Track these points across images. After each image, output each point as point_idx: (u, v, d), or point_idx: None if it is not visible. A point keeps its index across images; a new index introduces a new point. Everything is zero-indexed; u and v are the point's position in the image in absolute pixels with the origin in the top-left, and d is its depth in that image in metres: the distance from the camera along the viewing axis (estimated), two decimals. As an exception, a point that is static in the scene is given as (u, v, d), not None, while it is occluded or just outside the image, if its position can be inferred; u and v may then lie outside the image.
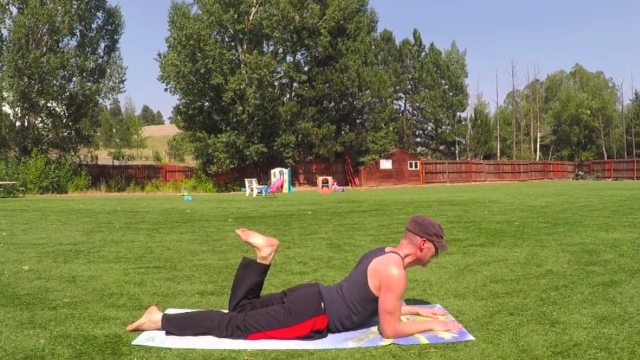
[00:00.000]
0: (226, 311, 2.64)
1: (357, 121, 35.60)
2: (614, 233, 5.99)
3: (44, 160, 22.95)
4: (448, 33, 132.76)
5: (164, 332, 2.55)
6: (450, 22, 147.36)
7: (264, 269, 2.75)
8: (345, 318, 2.56)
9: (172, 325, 2.55)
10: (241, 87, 26.88)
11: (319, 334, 2.49)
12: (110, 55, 28.26)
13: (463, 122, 46.13)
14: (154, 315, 2.61)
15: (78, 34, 26.87)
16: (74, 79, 26.20)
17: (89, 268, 4.24)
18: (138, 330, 2.58)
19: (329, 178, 25.61)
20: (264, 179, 27.70)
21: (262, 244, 2.75)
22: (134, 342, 2.39)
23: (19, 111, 25.44)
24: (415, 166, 35.17)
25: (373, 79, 32.32)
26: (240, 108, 27.19)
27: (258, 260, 2.75)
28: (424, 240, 2.65)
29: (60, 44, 26.36)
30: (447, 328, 2.54)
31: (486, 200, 13.52)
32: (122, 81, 27.90)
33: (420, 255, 2.66)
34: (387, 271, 2.48)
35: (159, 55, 29.07)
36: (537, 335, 2.43)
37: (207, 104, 29.28)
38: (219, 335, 2.48)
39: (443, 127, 45.28)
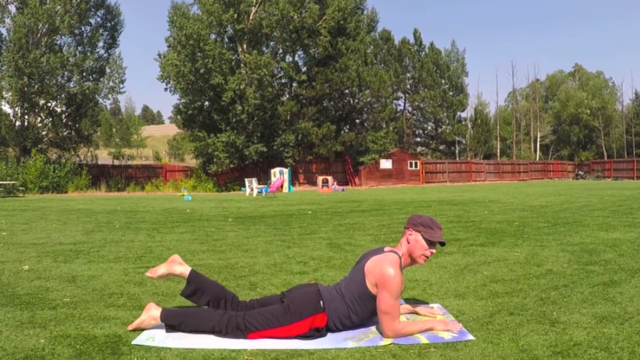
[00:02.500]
0: (223, 311, 2.64)
1: (357, 121, 35.59)
2: (614, 233, 5.99)
3: (43, 160, 22.95)
4: (448, 33, 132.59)
5: (164, 331, 2.55)
6: (450, 22, 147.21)
7: (193, 283, 2.74)
8: (345, 317, 2.56)
9: (171, 318, 2.56)
10: (241, 87, 26.88)
11: (318, 332, 2.49)
12: (109, 53, 28.28)
13: (463, 122, 46.10)
14: (153, 312, 2.61)
15: (77, 32, 26.85)
16: (74, 78, 26.20)
17: (89, 268, 4.24)
18: (139, 329, 2.58)
19: (329, 178, 25.61)
20: (264, 178, 27.70)
21: (166, 271, 2.81)
22: (134, 342, 2.39)
23: (19, 111, 25.43)
24: (415, 166, 35.17)
25: (373, 79, 32.31)
26: (240, 108, 27.20)
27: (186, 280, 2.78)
28: (410, 231, 2.64)
29: (59, 43, 26.37)
30: (447, 328, 2.54)
31: (486, 200, 13.52)
32: (122, 81, 27.90)
33: (410, 249, 2.63)
34: (382, 270, 2.48)
35: (159, 55, 29.07)
36: (537, 335, 2.43)
37: (207, 103, 29.28)
38: (219, 334, 2.48)
39: (443, 126, 45.25)
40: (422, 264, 2.66)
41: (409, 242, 2.63)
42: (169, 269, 2.79)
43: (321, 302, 2.54)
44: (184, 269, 2.78)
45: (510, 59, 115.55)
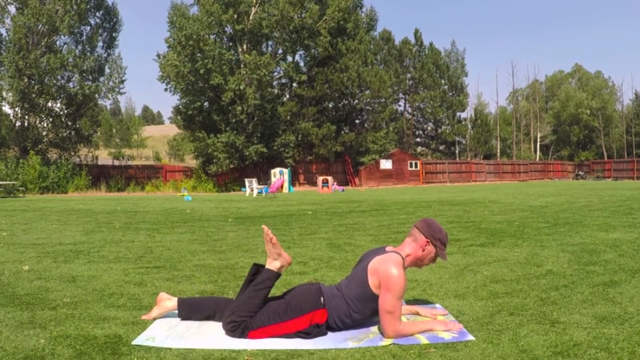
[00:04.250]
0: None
1: (357, 121, 35.60)
2: (614, 233, 5.98)
3: (39, 161, 22.92)
4: (448, 33, 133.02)
5: (164, 331, 2.56)
6: (450, 22, 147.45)
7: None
8: (345, 315, 2.56)
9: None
10: (241, 87, 26.88)
11: (318, 328, 2.50)
12: (109, 53, 28.30)
13: (463, 122, 46.11)
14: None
15: (77, 32, 26.87)
16: (74, 78, 26.21)
17: (89, 268, 4.24)
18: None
19: (329, 178, 25.60)
20: (264, 179, 27.69)
21: (159, 311, 2.81)
22: (134, 342, 2.39)
23: (19, 111, 25.44)
24: (416, 166, 35.18)
25: (373, 79, 32.31)
26: (240, 108, 27.20)
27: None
28: (428, 242, 2.67)
29: (59, 43, 26.40)
30: (448, 328, 2.54)
31: (486, 200, 13.52)
32: (122, 81, 27.90)
33: (420, 256, 2.68)
34: (386, 270, 2.48)
35: (159, 55, 29.09)
36: (537, 335, 2.43)
37: (206, 104, 29.28)
38: (220, 319, 2.61)
39: (443, 127, 45.27)
40: (420, 268, 2.80)
41: (423, 250, 2.68)
42: (161, 309, 2.81)
43: (322, 299, 2.56)
44: (173, 303, 2.82)
45: (510, 59, 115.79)
